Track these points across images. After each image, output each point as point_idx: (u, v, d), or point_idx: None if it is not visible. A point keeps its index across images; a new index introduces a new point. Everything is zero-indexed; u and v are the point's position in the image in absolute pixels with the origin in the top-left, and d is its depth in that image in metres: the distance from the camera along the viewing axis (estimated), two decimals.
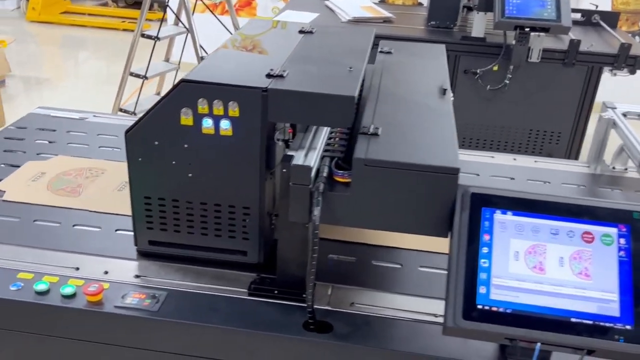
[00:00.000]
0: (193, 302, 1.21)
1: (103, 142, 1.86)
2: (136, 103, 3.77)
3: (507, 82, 3.12)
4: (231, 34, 3.94)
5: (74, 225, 1.44)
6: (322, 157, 1.20)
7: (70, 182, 1.62)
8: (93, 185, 1.61)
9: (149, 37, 3.65)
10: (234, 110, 1.16)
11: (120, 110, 3.83)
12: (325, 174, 1.14)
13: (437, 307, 1.22)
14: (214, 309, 1.20)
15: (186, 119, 1.18)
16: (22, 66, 5.42)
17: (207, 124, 1.18)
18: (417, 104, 1.33)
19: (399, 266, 1.36)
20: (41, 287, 1.21)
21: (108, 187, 1.61)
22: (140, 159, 1.23)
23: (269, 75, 1.20)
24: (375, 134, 1.17)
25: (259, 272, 1.29)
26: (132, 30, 3.50)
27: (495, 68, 3.12)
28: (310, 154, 1.17)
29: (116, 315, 1.18)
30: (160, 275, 1.28)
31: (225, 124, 1.18)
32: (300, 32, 1.54)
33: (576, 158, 3.30)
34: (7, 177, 1.63)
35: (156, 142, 1.21)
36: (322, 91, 1.15)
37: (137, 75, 3.70)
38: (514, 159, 1.89)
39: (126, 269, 1.29)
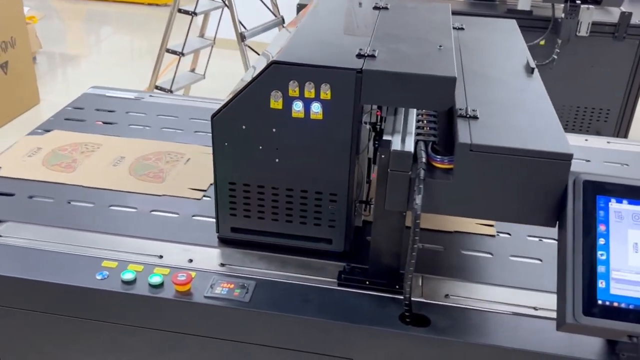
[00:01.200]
0: (283, 292, 1.17)
1: (164, 123, 1.82)
2: (173, 80, 3.71)
3: (555, 57, 3.03)
4: (269, 9, 3.87)
5: (151, 211, 1.41)
6: (416, 142, 1.14)
7: (65, 158, 1.60)
8: (88, 161, 1.59)
9: (186, 12, 3.58)
10: (325, 92, 1.11)
11: (157, 87, 3.78)
12: (424, 160, 1.09)
13: (535, 299, 1.17)
14: (305, 299, 1.16)
15: (275, 102, 1.13)
16: (49, 42, 5.37)
17: (298, 107, 1.13)
18: (506, 84, 1.27)
19: (489, 255, 1.31)
20: (128, 276, 1.17)
21: (102, 162, 1.59)
22: (226, 144, 1.19)
23: (359, 56, 1.14)
24: (475, 117, 1.11)
25: (342, 260, 1.25)
26: (157, 5, 3.45)
27: (542, 43, 3.04)
28: (407, 139, 1.12)
29: (207, 306, 1.14)
30: (245, 263, 1.24)
31: (316, 107, 1.13)
32: (375, 8, 1.48)
33: (625, 136, 3.22)
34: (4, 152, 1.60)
35: (243, 127, 1.16)
36: (422, 72, 1.09)
37: (174, 52, 3.64)
38: (586, 140, 1.83)
39: (210, 257, 1.26)
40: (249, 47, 3.55)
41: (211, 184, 1.46)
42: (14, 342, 1.25)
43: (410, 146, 1.09)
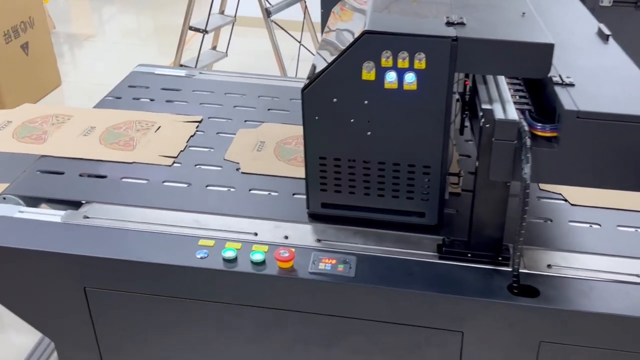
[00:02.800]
0: (386, 267, 1.17)
1: (236, 102, 1.79)
2: (197, 58, 3.67)
3: None
4: None
5: (206, 186, 1.40)
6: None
7: (36, 130, 1.60)
8: (59, 132, 1.59)
9: None
10: (420, 62, 1.09)
11: (181, 66, 3.75)
12: (527, 128, 1.07)
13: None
14: (409, 273, 1.15)
15: (368, 73, 1.11)
16: (58, 23, 5.30)
17: (391, 78, 1.11)
18: (587, 51, 1.25)
19: (597, 226, 1.30)
20: (229, 254, 1.17)
21: (74, 132, 1.59)
22: (317, 118, 1.17)
23: (448, 24, 1.12)
24: (571, 84, 1.10)
25: (434, 233, 1.24)
26: None
27: None
28: (507, 108, 1.10)
29: (311, 282, 1.14)
30: (341, 239, 1.24)
31: (410, 78, 1.11)
32: None
33: None
34: None
35: (334, 99, 1.15)
36: (519, 39, 1.07)
37: (197, 29, 3.60)
38: None
39: (304, 233, 1.25)
40: (274, 22, 3.51)
41: None
42: (113, 325, 1.25)
43: (513, 114, 1.08)
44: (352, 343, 1.20)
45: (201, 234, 1.24)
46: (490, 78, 1.20)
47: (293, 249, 1.18)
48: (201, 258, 1.17)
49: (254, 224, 1.27)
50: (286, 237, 1.23)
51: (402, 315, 1.14)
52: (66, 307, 1.24)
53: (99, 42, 5.05)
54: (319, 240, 1.23)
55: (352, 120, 1.16)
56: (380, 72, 1.11)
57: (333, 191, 1.24)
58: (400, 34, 1.08)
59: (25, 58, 3.86)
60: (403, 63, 1.09)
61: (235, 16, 3.81)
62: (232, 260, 1.17)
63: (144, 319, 1.23)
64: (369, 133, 1.17)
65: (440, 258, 1.19)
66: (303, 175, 1.27)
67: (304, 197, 1.29)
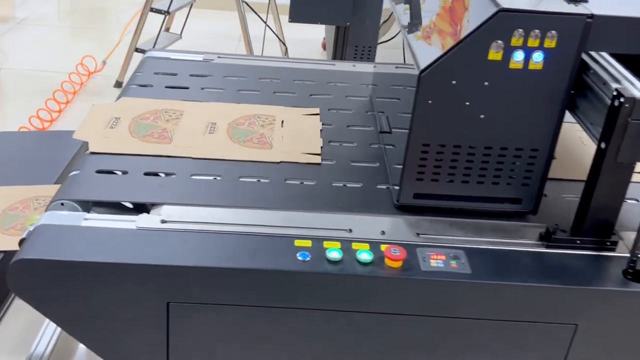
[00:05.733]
0: (496, 260, 1.11)
1: (238, 85, 1.67)
2: (156, 41, 3.47)
3: None
4: None
5: (285, 180, 1.30)
6: None
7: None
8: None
9: None
10: (550, 40, 1.04)
11: (137, 50, 3.53)
12: None
13: None
14: (520, 265, 1.10)
15: (495, 53, 1.05)
16: None
17: (518, 57, 1.05)
18: None
19: None
20: (334, 255, 1.07)
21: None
22: (430, 102, 1.09)
23: (569, 1, 1.07)
24: None
25: (529, 220, 1.20)
26: None
27: None
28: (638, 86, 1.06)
29: (426, 281, 1.06)
30: (439, 231, 1.17)
31: (537, 57, 1.05)
32: None
33: None
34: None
35: (454, 81, 1.07)
36: None
37: (158, 11, 3.40)
38: None
39: (401, 227, 1.17)
40: (246, 3, 3.36)
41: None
42: (193, 343, 1.12)
43: None
44: (456, 344, 1.13)
45: (291, 232, 1.13)
46: (599, 57, 1.16)
47: (402, 247, 1.10)
48: (304, 261, 1.07)
49: (345, 219, 1.18)
50: (383, 233, 1.15)
51: (516, 312, 1.09)
52: (140, 326, 1.10)
53: (32, 26, 4.69)
54: (417, 234, 1.15)
55: (467, 104, 1.09)
56: (508, 51, 1.04)
57: (430, 180, 1.17)
58: (535, 11, 1.02)
59: None
60: (533, 42, 1.03)
61: None
62: (338, 262, 1.07)
63: (232, 333, 1.11)
64: (482, 116, 1.10)
65: (547, 247, 1.14)
66: (265, 159, 1.26)
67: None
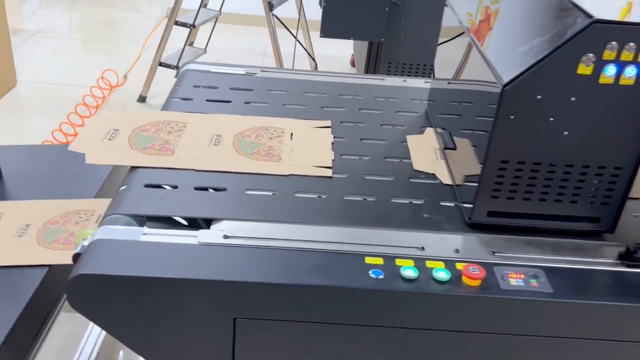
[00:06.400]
0: (577, 279, 1.06)
1: (322, 102, 1.63)
2: (180, 56, 3.45)
3: None
4: None
5: (344, 197, 1.25)
6: None
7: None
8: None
9: None
10: None
11: (161, 64, 3.51)
12: None
13: None
14: (602, 285, 1.05)
15: (585, 67, 1.00)
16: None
17: (609, 72, 1.01)
18: None
19: None
20: (409, 273, 1.02)
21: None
22: (512, 117, 1.05)
23: None
24: None
25: (604, 239, 1.15)
26: None
27: None
28: None
29: (507, 300, 1.01)
30: (514, 250, 1.12)
31: (630, 72, 1.01)
32: None
33: None
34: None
35: (539, 96, 1.03)
36: None
37: (184, 24, 3.38)
38: None
39: (474, 245, 1.12)
40: (277, 18, 3.34)
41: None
42: (269, 356, 1.07)
43: None
44: None
45: (359, 249, 1.08)
46: None
47: (482, 266, 1.05)
48: (377, 278, 1.02)
49: (415, 236, 1.13)
50: (457, 251, 1.10)
51: (599, 330, 1.04)
52: (206, 342, 1.06)
53: (45, 39, 4.69)
54: (493, 253, 1.10)
55: (551, 119, 1.04)
56: (599, 65, 1.00)
57: (505, 198, 1.12)
58: (631, 23, 0.97)
59: None
60: (627, 56, 0.99)
61: (220, 10, 3.61)
62: (413, 280, 1.02)
63: (299, 350, 1.07)
64: (565, 133, 1.05)
65: (628, 266, 1.09)
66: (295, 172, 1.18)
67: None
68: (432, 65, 2.85)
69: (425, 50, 2.99)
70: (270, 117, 1.50)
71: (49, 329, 1.40)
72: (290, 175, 1.28)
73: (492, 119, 1.05)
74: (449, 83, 1.45)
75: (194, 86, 1.66)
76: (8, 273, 1.34)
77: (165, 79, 3.94)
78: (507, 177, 1.10)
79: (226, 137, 1.40)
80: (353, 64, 4.23)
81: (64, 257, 1.39)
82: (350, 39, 2.94)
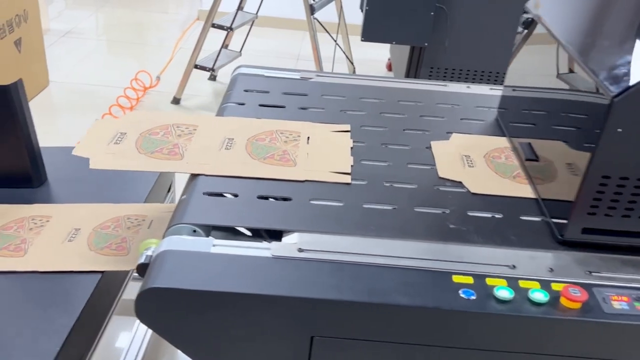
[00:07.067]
0: None
1: (380, 108, 1.56)
2: (216, 59, 3.40)
3: None
4: None
5: (414, 208, 1.17)
6: None
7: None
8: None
9: None
10: None
11: (196, 66, 3.46)
12: None
13: None
14: None
15: None
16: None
17: None
18: None
19: None
20: (504, 293, 0.94)
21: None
22: (619, 130, 0.97)
23: None
24: None
25: None
26: None
27: None
28: None
29: (612, 325, 0.93)
30: (612, 269, 1.04)
31: None
32: None
33: None
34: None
35: None
36: None
37: (220, 27, 3.33)
38: None
39: (571, 264, 1.04)
40: (318, 21, 3.28)
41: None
42: None
43: None
44: None
45: (445, 267, 1.01)
46: None
47: (583, 288, 0.97)
48: (469, 299, 0.94)
49: (503, 253, 1.05)
50: (551, 270, 1.02)
51: None
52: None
53: (76, 39, 4.67)
54: (590, 273, 1.02)
55: None
56: None
57: (603, 215, 1.04)
58: None
59: (17, 56, 3.49)
60: None
61: (257, 13, 3.56)
62: (508, 302, 0.94)
63: None
64: None
65: None
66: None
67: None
68: (482, 71, 2.77)
69: (470, 56, 2.91)
70: (287, 121, 1.43)
71: (101, 336, 1.34)
72: (306, 181, 1.21)
73: (592, 131, 0.98)
74: (528, 91, 1.37)
75: (245, 90, 1.59)
76: (60, 279, 1.29)
77: (198, 81, 3.89)
78: (607, 193, 1.02)
79: (239, 141, 1.33)
80: (389, 67, 4.15)
81: (118, 264, 1.33)
82: (392, 43, 2.86)
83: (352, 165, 1.27)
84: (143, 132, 1.36)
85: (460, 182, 1.24)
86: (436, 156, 1.31)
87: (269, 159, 1.27)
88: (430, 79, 2.98)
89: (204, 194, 1.17)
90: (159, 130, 1.37)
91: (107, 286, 1.36)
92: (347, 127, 1.43)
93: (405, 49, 3.00)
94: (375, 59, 4.29)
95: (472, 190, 1.20)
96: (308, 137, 1.36)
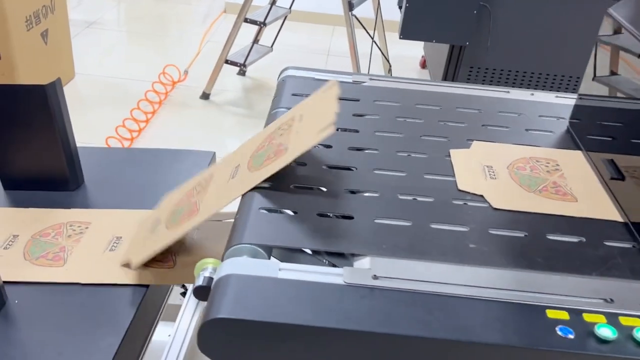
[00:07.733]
0: None
1: (439, 116, 1.47)
2: (248, 54, 3.31)
3: None
4: None
5: (488, 229, 1.08)
6: None
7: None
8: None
9: None
10: None
11: (227, 62, 3.38)
12: None
13: None
14: None
15: None
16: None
17: None
18: None
19: None
20: (605, 332, 0.85)
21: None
22: None
23: None
24: None
25: None
26: None
27: None
28: None
29: None
30: None
31: None
32: None
33: None
34: None
35: None
36: None
37: (254, 22, 3.24)
38: None
39: None
40: (356, 18, 3.18)
41: None
42: None
43: None
44: None
45: (538, 300, 0.92)
46: None
47: None
48: (567, 338, 0.86)
49: (596, 284, 0.96)
50: None
51: None
52: None
53: (99, 31, 4.60)
54: None
55: None
56: None
57: None
58: None
59: (44, 48, 3.42)
60: None
61: (290, 8, 3.47)
62: (610, 342, 0.85)
63: None
64: None
65: None
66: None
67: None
68: (525, 72, 2.67)
69: (512, 56, 2.81)
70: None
71: (146, 350, 1.28)
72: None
73: None
74: (615, 101, 1.28)
75: (292, 94, 1.51)
76: (104, 293, 1.22)
77: (227, 77, 3.81)
78: None
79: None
80: (423, 65, 4.05)
81: (166, 277, 1.26)
82: (432, 41, 2.77)
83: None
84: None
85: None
86: (454, 165, 1.22)
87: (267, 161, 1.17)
88: (469, 79, 2.88)
89: (259, 208, 1.08)
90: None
91: (153, 296, 1.29)
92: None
93: (444, 47, 2.91)
94: (409, 54, 4.18)
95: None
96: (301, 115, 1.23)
